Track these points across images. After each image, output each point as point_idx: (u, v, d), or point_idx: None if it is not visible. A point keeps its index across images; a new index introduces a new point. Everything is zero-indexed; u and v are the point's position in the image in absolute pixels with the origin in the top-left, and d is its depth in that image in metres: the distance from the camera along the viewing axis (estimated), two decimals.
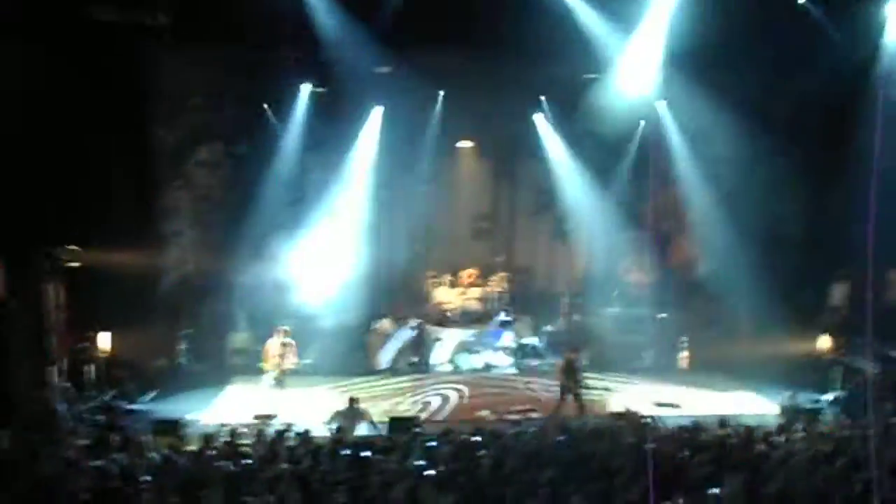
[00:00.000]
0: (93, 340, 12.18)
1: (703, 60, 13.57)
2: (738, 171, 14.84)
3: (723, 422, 9.43)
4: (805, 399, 12.10)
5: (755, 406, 12.60)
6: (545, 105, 16.01)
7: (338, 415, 10.42)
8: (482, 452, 8.06)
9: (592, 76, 14.81)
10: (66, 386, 11.49)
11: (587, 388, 12.04)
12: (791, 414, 11.10)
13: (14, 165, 10.94)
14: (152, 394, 12.69)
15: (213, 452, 8.38)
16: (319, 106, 15.02)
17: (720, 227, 15.69)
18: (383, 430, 10.16)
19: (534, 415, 11.99)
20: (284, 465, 7.74)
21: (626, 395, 12.87)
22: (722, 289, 15.88)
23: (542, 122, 16.24)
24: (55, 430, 9.88)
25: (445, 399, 13.09)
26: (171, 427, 10.01)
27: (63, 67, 11.30)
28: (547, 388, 13.50)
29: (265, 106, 15.02)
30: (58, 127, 11.51)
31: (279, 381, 12.14)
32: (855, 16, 12.52)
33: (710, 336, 15.43)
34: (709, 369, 14.69)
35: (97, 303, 12.13)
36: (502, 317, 15.59)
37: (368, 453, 8.12)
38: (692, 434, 8.86)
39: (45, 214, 11.20)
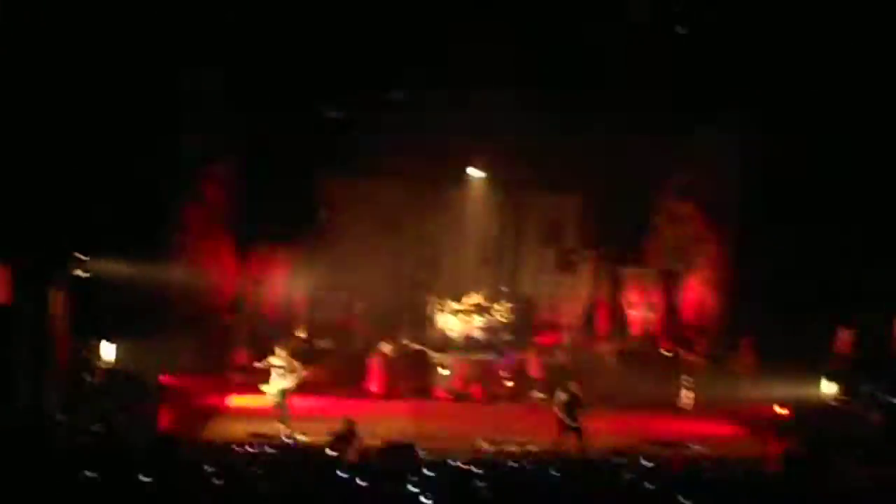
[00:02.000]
0: (95, 350, 12.18)
1: None
2: (747, 212, 14.90)
3: (720, 464, 9.33)
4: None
5: (758, 450, 12.46)
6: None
7: (334, 436, 10.35)
8: (479, 483, 7.99)
9: None
10: (63, 394, 11.47)
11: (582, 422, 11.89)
12: (795, 459, 10.93)
13: (24, 170, 11.05)
14: (153, 406, 12.65)
15: (211, 469, 8.35)
16: (333, 128, 15.16)
17: (731, 266, 15.71)
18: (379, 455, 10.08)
19: (532, 447, 11.89)
20: (278, 485, 7.70)
21: (626, 431, 12.74)
22: (729, 329, 15.85)
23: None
24: (51, 437, 9.85)
25: (442, 425, 12.99)
26: (169, 441, 9.96)
27: (79, 72, 11.46)
28: (546, 420, 13.42)
29: (273, 123, 15.15)
30: (69, 133, 11.64)
31: (280, 399, 12.11)
32: None
33: (714, 376, 15.34)
34: (711, 410, 14.57)
35: (101, 312, 12.14)
36: (503, 345, 15.54)
37: (361, 478, 8.05)
38: (690, 475, 8.75)
39: (53, 221, 11.27)
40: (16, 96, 10.82)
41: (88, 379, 12.02)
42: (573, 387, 12.09)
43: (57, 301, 11.29)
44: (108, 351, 12.25)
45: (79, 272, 11.43)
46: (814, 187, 13.86)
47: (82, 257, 11.45)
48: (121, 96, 12.01)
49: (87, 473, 7.60)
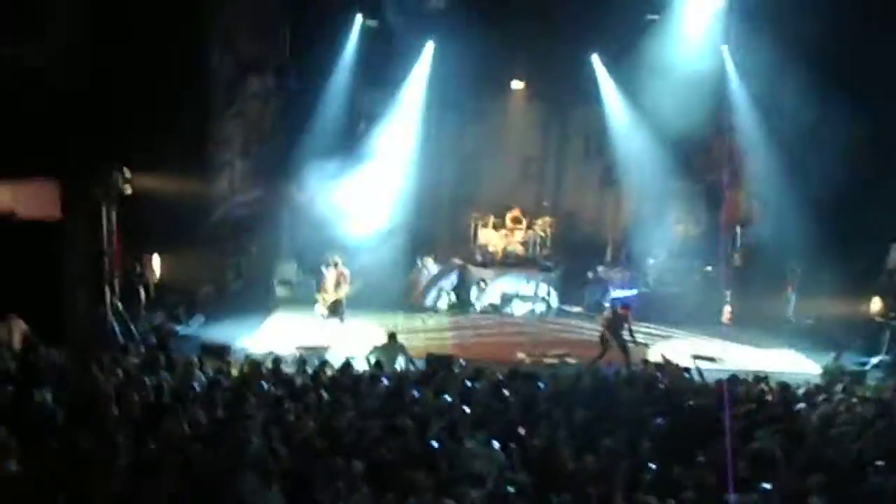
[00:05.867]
0: (145, 264, 12.56)
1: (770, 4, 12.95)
2: (801, 125, 14.30)
3: (759, 377, 9.35)
4: (850, 361, 11.90)
5: (797, 365, 12.46)
6: (601, 48, 15.54)
7: (377, 349, 10.64)
8: (511, 392, 8.19)
9: (653, 17, 14.33)
10: (119, 307, 11.93)
11: (634, 341, 11.91)
12: (834, 375, 10.92)
13: (72, 89, 11.16)
14: (200, 318, 13.10)
15: (258, 377, 8.68)
16: (371, 39, 14.87)
17: (777, 182, 15.24)
18: (421, 366, 10.35)
19: (570, 360, 12.06)
20: (324, 394, 8.00)
21: (666, 346, 12.80)
22: (773, 245, 15.54)
23: (597, 65, 15.80)
24: (109, 348, 10.30)
25: (484, 339, 13.22)
26: (218, 351, 10.36)
27: None
28: (587, 333, 13.53)
29: (317, 38, 14.91)
30: (116, 53, 11.67)
31: (334, 310, 12.44)
32: None
33: (756, 292, 15.17)
34: (752, 326, 14.49)
35: (149, 227, 12.45)
36: (544, 260, 15.53)
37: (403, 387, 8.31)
38: (728, 387, 8.81)
39: (101, 138, 11.44)
40: (63, 14, 10.85)
41: (140, 292, 12.46)
42: (623, 308, 12.07)
43: (105, 216, 11.58)
44: (157, 265, 12.62)
45: (126, 187, 11.65)
46: (865, 96, 13.21)
47: (128, 173, 11.65)
48: (156, 11, 11.93)
49: (147, 380, 8.03)
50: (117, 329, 11.53)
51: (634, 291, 14.17)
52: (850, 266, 13.64)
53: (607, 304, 12.52)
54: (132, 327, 11.77)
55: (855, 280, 13.55)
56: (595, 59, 15.70)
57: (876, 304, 12.89)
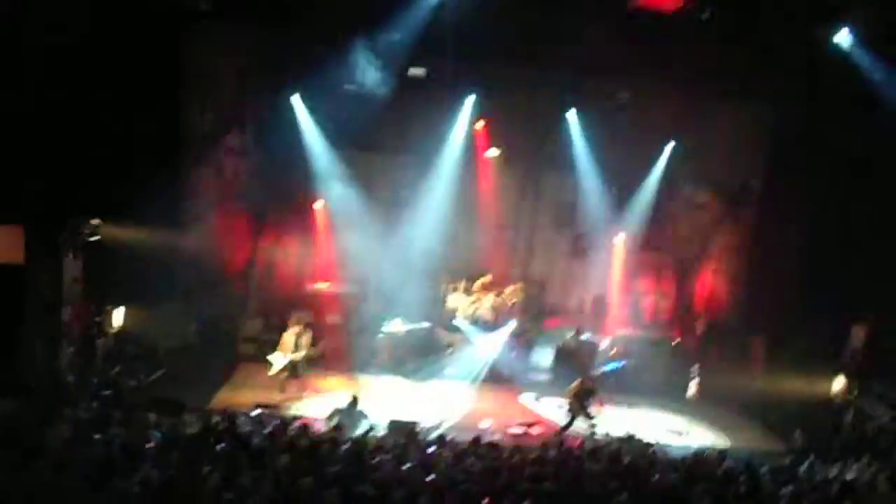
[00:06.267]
0: (107, 315, 12.28)
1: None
2: (764, 201, 14.72)
3: (723, 454, 9.30)
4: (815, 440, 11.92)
5: (763, 442, 12.44)
6: (576, 117, 15.91)
7: (338, 412, 10.42)
8: (472, 460, 8.05)
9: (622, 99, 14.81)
10: (76, 359, 11.58)
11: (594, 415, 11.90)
12: (799, 453, 10.91)
13: (43, 133, 11.08)
14: (160, 373, 12.77)
15: (214, 436, 8.41)
16: (348, 101, 15.06)
17: (746, 257, 15.55)
18: (382, 431, 10.13)
19: (535, 431, 11.91)
20: (283, 456, 7.75)
21: (631, 420, 12.72)
22: (740, 320, 15.73)
23: (573, 134, 16.11)
24: (62, 401, 9.96)
25: (448, 405, 13.03)
26: (175, 407, 10.05)
27: (103, 43, 11.45)
28: (554, 404, 13.40)
29: (296, 97, 15.08)
30: (91, 99, 11.65)
31: (293, 370, 12.26)
32: None
33: (723, 367, 15.23)
34: (719, 401, 14.49)
35: (114, 278, 12.22)
36: (511, 329, 15.49)
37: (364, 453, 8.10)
38: (693, 464, 8.75)
39: (69, 185, 11.30)
40: (34, 59, 10.86)
41: (100, 343, 12.13)
42: (589, 379, 12.11)
43: (69, 264, 11.36)
44: (119, 316, 12.34)
45: (92, 236, 11.47)
46: (834, 179, 13.64)
47: (95, 222, 11.49)
48: (137, 62, 12.01)
49: (96, 436, 7.73)
50: (72, 382, 11.16)
51: (623, 363, 14.27)
52: (814, 344, 13.80)
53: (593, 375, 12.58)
54: (88, 380, 11.41)
55: (818, 358, 13.69)
56: (571, 128, 16.00)
57: (839, 383, 13.00)
